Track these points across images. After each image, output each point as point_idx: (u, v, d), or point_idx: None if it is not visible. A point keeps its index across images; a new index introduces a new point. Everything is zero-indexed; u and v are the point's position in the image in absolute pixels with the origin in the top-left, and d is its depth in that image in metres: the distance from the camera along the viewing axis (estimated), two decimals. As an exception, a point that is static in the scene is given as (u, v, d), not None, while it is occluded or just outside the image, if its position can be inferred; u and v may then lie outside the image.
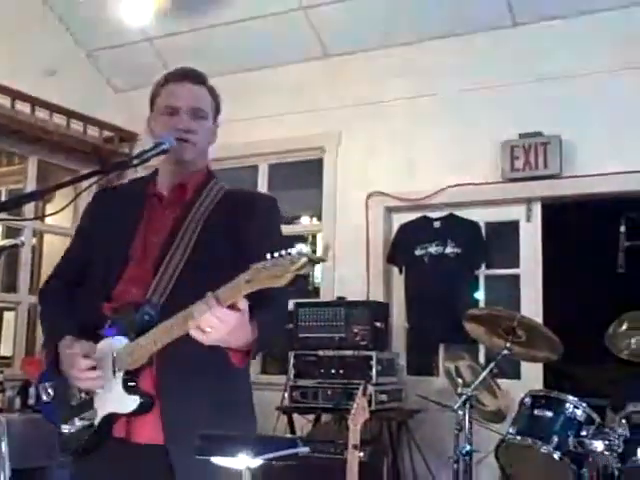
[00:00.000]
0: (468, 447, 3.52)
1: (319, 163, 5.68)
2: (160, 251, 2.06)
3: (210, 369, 1.97)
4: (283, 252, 1.59)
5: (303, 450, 1.37)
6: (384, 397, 4.65)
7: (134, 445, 1.96)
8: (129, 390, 1.92)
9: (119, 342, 1.94)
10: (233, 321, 1.72)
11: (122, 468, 1.95)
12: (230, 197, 2.19)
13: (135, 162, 2.04)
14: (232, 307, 1.72)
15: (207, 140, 2.22)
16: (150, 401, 1.92)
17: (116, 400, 1.93)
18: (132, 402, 1.90)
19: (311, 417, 5.00)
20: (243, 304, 1.74)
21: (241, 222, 2.10)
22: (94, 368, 1.95)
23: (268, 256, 1.61)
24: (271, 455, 1.29)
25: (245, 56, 5.68)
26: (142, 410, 1.90)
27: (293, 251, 1.57)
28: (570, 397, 3.43)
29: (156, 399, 1.94)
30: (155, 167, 2.28)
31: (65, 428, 1.99)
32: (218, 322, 1.70)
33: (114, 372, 1.94)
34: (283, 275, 1.59)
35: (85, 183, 2.11)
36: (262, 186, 5.81)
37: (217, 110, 2.26)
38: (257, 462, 1.27)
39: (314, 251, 1.61)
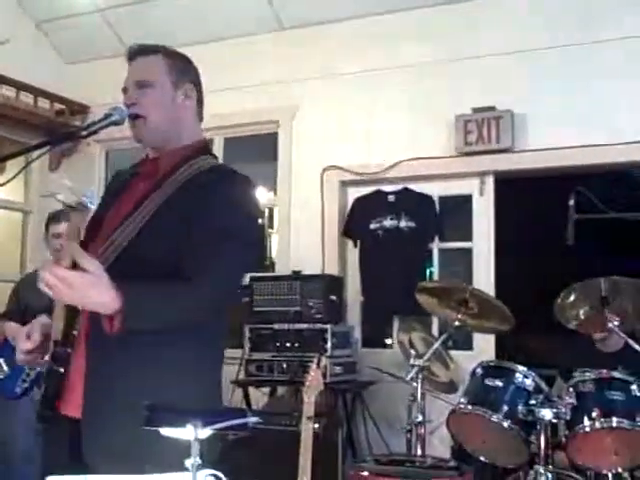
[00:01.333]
0: (420, 417, 3.56)
1: (275, 137, 5.66)
2: (119, 222, 2.03)
3: (134, 343, 1.89)
4: None
5: (252, 420, 1.38)
6: (339, 369, 4.70)
7: (65, 418, 1.96)
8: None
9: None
10: (72, 280, 1.71)
11: (59, 439, 1.97)
12: (200, 176, 2.07)
13: (84, 133, 2.01)
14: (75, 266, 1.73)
15: (162, 108, 2.10)
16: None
17: None
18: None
19: (267, 390, 5.03)
20: (89, 264, 1.72)
21: (198, 202, 2.00)
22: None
23: None
24: (220, 425, 1.29)
25: (199, 28, 5.61)
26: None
27: None
28: (520, 367, 3.48)
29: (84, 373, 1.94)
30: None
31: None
32: (57, 280, 1.70)
33: None
34: None
35: (35, 154, 2.08)
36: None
37: (181, 73, 2.17)
38: (206, 433, 1.27)
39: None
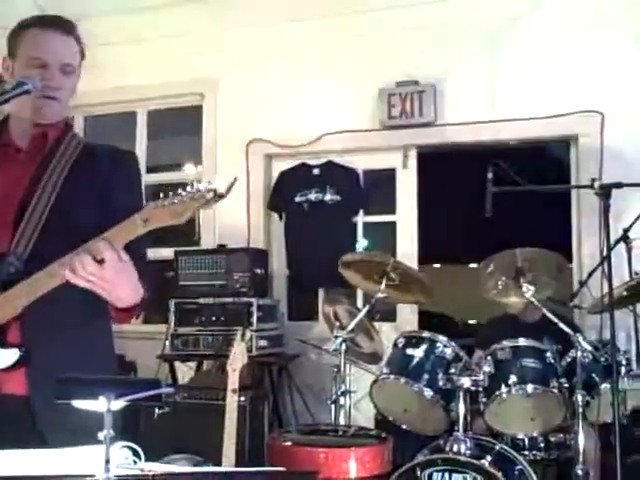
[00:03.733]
0: (343, 387, 3.61)
1: (199, 110, 5.61)
2: (20, 204, 1.99)
3: (77, 320, 1.96)
4: (181, 190, 1.57)
5: (166, 391, 1.39)
6: (264, 343, 4.72)
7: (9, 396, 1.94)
8: (2, 344, 1.88)
9: None
10: (119, 268, 1.72)
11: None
12: (90, 150, 2.14)
13: (-4, 101, 1.95)
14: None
15: (71, 94, 2.14)
16: (28, 352, 1.89)
17: None
18: (11, 355, 1.87)
19: (193, 364, 5.02)
20: (125, 255, 1.73)
21: (106, 175, 2.07)
22: None
23: (162, 195, 1.58)
24: (133, 397, 1.29)
25: (120, -2, 5.49)
26: (22, 362, 1.88)
27: (194, 187, 1.55)
28: (440, 337, 3.55)
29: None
30: (2, 115, 2.18)
31: None
32: (103, 269, 1.70)
33: None
34: (185, 212, 1.57)
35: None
36: (141, 132, 5.69)
37: (82, 58, 2.17)
38: (119, 404, 1.27)
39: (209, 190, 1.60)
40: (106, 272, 1.71)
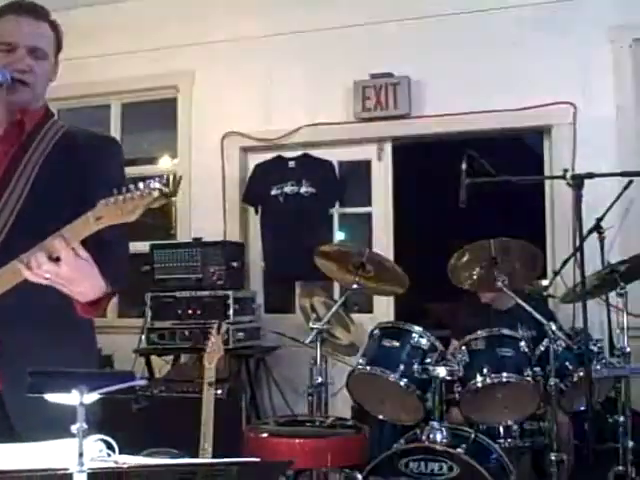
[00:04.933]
0: (320, 379, 3.62)
1: (174, 103, 5.58)
2: None
3: (51, 314, 1.95)
4: (132, 186, 1.57)
5: (140, 383, 1.39)
6: (241, 335, 4.72)
7: None
8: None
9: None
10: (76, 265, 1.71)
11: None
12: (70, 136, 2.11)
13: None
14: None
15: (46, 80, 2.11)
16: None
17: None
18: None
19: (169, 358, 5.02)
20: (83, 252, 1.73)
21: (86, 161, 2.03)
22: None
23: (115, 191, 1.58)
24: (106, 389, 1.29)
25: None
26: None
27: (141, 185, 1.55)
28: (416, 327, 3.57)
29: None
30: None
31: None
32: (58, 266, 1.69)
33: None
34: (135, 209, 1.57)
35: None
36: (115, 126, 5.67)
37: (59, 47, 2.15)
38: (92, 397, 1.27)
39: (166, 185, 1.59)
40: (62, 269, 1.71)
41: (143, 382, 1.32)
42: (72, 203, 1.89)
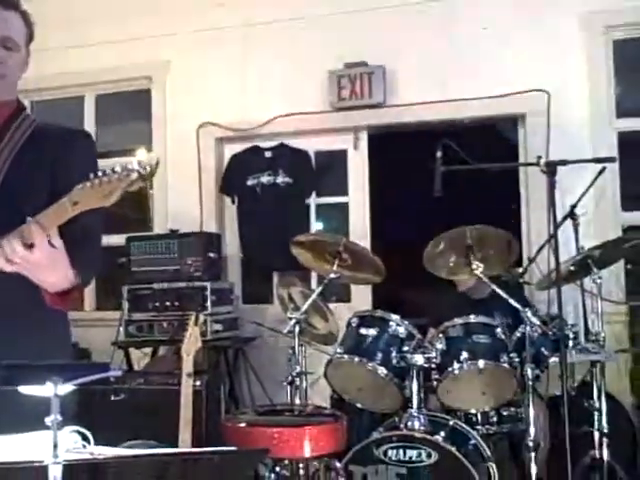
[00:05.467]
0: (299, 368, 3.63)
1: (148, 93, 5.55)
2: None
3: (25, 305, 1.92)
4: (109, 170, 1.56)
5: (114, 374, 1.38)
6: (219, 326, 4.72)
7: None
8: None
9: None
10: (49, 253, 1.70)
11: None
12: (42, 131, 2.09)
13: None
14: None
15: (18, 72, 2.09)
16: None
17: None
18: None
19: (148, 350, 5.00)
20: (57, 242, 1.71)
21: (57, 155, 2.02)
22: None
23: (91, 175, 1.57)
24: (81, 380, 1.28)
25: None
26: None
27: (118, 168, 1.54)
28: (393, 315, 3.58)
29: None
30: None
31: None
32: (31, 253, 1.67)
33: None
34: (112, 193, 1.56)
35: None
36: (89, 117, 5.63)
37: (30, 38, 2.12)
38: (66, 388, 1.26)
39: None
40: (34, 256, 1.70)
41: (118, 373, 1.31)
42: (44, 199, 1.87)
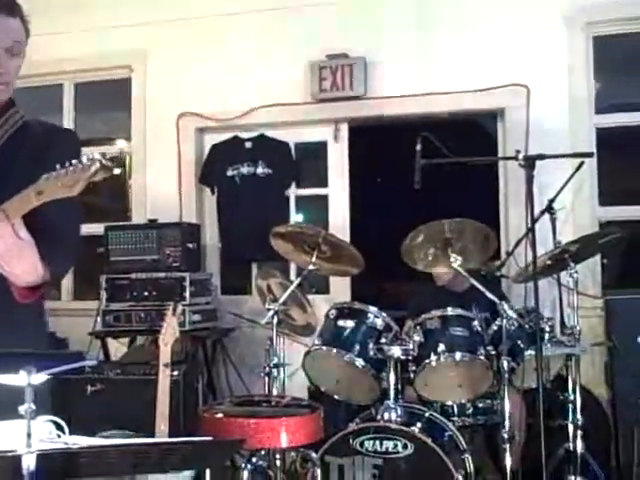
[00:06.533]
0: (276, 360, 3.63)
1: (128, 82, 5.51)
2: None
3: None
4: (74, 161, 1.56)
5: (89, 363, 1.38)
6: (198, 317, 4.71)
7: None
8: None
9: None
10: (14, 243, 1.68)
11: None
12: (27, 128, 2.08)
13: None
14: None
15: (17, 75, 2.08)
16: None
17: None
18: None
19: (125, 340, 4.98)
20: (24, 233, 1.70)
21: (41, 152, 2.00)
22: None
23: (58, 166, 1.57)
24: (55, 370, 1.28)
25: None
26: None
27: (84, 158, 1.53)
28: (371, 307, 3.60)
29: None
30: None
31: None
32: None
33: None
34: (76, 183, 1.55)
35: None
36: (68, 106, 5.59)
37: (27, 39, 2.11)
38: (40, 378, 1.26)
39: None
40: None
41: (92, 362, 1.31)
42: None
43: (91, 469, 1.33)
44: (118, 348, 4.96)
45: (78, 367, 1.33)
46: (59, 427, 1.36)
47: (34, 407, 1.23)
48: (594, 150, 4.49)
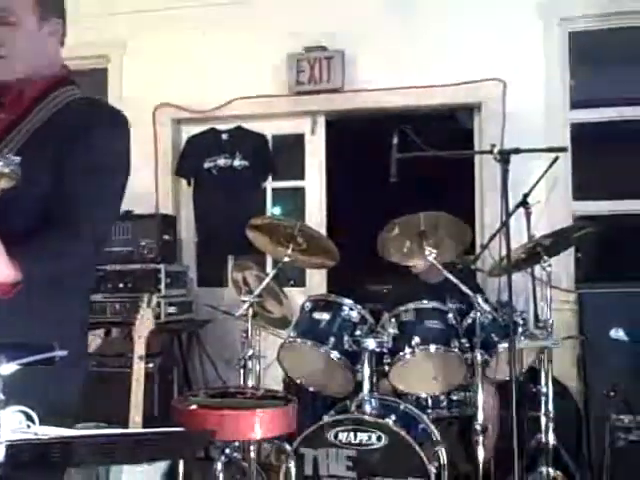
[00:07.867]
0: (251, 351, 3.63)
1: (104, 73, 5.47)
2: None
3: None
4: None
5: (59, 354, 1.37)
6: (173, 309, 4.70)
7: None
8: None
9: None
10: None
11: None
12: (67, 112, 2.01)
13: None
14: None
15: (34, 47, 1.99)
16: None
17: None
18: None
19: (100, 332, 4.95)
20: None
21: (67, 145, 1.94)
22: None
23: None
24: (25, 360, 1.28)
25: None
26: None
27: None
28: (346, 300, 3.61)
29: None
30: None
31: None
32: None
33: None
34: None
35: None
36: (43, 96, 5.52)
37: (47, 6, 2.03)
38: (10, 368, 1.25)
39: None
40: None
41: (63, 354, 1.30)
42: (47, 181, 1.88)
43: (62, 460, 1.32)
44: (93, 340, 4.93)
45: (48, 358, 1.32)
46: (29, 417, 1.35)
47: (3, 397, 1.23)
48: (569, 145, 4.53)
